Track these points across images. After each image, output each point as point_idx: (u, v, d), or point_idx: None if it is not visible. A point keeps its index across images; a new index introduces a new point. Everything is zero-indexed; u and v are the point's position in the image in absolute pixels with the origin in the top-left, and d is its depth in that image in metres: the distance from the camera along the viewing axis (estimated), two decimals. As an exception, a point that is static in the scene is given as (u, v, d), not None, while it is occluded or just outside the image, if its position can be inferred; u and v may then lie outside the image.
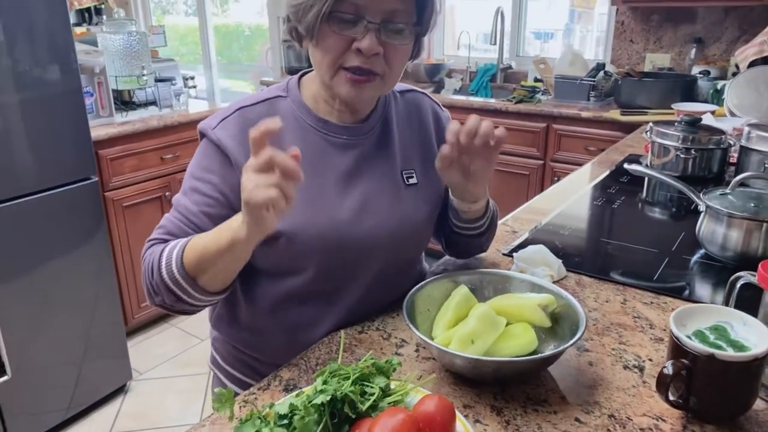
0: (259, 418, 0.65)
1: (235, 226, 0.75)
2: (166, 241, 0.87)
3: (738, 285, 0.81)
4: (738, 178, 1.13)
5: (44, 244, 1.97)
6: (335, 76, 0.87)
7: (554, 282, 1.05)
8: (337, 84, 0.88)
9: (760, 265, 0.75)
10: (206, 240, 0.80)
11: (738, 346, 0.70)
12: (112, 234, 2.43)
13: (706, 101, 2.59)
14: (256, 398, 0.77)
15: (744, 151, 1.56)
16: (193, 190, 0.90)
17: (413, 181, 0.98)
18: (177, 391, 2.34)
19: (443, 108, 1.09)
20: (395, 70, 0.89)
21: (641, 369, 0.81)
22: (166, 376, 2.44)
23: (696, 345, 0.69)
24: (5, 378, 1.90)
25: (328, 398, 0.63)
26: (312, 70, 0.96)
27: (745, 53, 2.46)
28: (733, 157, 1.66)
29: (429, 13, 0.88)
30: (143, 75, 2.57)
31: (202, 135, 0.92)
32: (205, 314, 1.08)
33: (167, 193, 2.61)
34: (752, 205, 1.09)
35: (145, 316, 2.67)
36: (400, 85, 1.06)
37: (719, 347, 0.70)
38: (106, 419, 2.19)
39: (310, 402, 0.63)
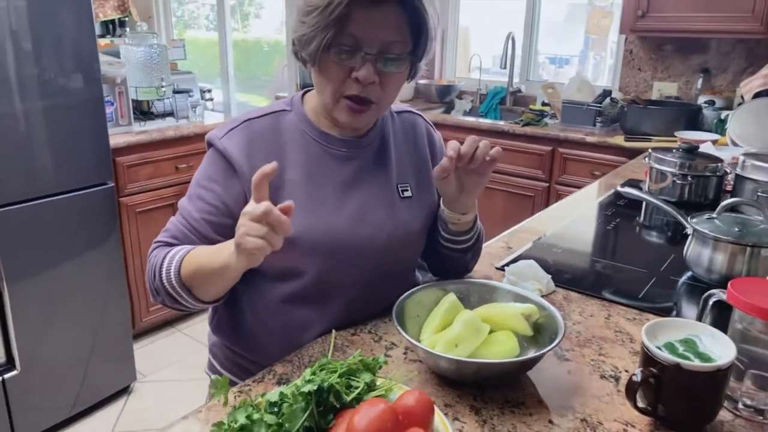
0: (252, 405, 0.70)
1: (227, 253, 0.82)
2: (170, 244, 0.95)
3: (711, 302, 0.85)
4: (724, 203, 1.17)
5: (60, 245, 2.04)
6: (336, 105, 0.94)
7: (542, 296, 1.10)
8: (337, 111, 0.95)
9: (729, 284, 0.79)
10: (202, 258, 0.88)
11: (705, 358, 0.74)
12: (124, 238, 2.50)
13: (710, 130, 2.63)
14: (250, 389, 0.82)
15: (739, 179, 1.60)
16: (197, 197, 0.97)
17: (408, 194, 1.04)
18: (180, 394, 2.38)
19: (435, 129, 1.16)
20: (390, 95, 0.96)
21: (617, 379, 0.86)
22: (169, 379, 2.49)
23: (664, 355, 0.73)
24: (14, 372, 1.97)
25: (315, 388, 0.67)
26: (314, 88, 1.02)
27: (750, 85, 2.50)
28: (729, 184, 1.70)
29: (424, 41, 0.95)
30: (162, 86, 2.67)
31: (210, 144, 0.99)
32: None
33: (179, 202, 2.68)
34: (737, 229, 1.13)
35: (153, 320, 2.73)
36: (397, 106, 1.13)
37: (686, 358, 0.74)
38: (109, 418, 2.24)
39: (298, 391, 0.68)
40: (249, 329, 1.04)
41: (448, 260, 1.11)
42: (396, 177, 1.04)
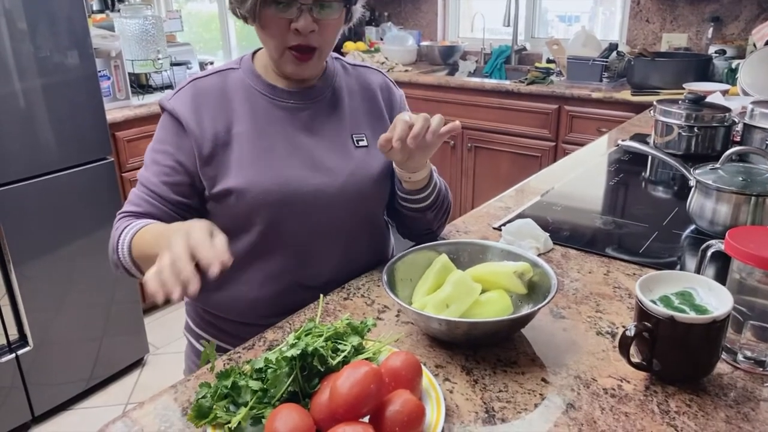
0: (238, 372, 0.70)
1: (164, 242, 0.76)
2: (132, 213, 0.96)
3: (709, 253, 0.83)
4: (728, 152, 1.13)
5: (64, 223, 2.05)
6: (282, 56, 0.96)
7: (540, 254, 1.08)
8: (284, 63, 0.97)
9: (727, 233, 0.77)
10: (149, 240, 0.87)
11: (701, 310, 0.72)
12: (129, 214, 2.50)
13: (721, 81, 2.55)
14: (240, 356, 0.82)
15: (747, 128, 1.55)
16: (152, 163, 0.98)
17: (364, 143, 1.04)
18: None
19: (397, 86, 1.15)
20: (330, 40, 0.98)
21: (613, 335, 0.84)
22: (181, 351, 2.51)
23: (657, 308, 0.71)
24: (27, 349, 2.00)
25: (299, 352, 0.66)
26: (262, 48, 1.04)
27: (763, 32, 2.41)
28: (738, 135, 1.65)
29: None
30: (158, 59, 2.63)
31: (162, 108, 1.00)
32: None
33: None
34: (741, 179, 1.09)
35: (163, 294, 2.75)
36: (354, 60, 1.14)
37: (682, 311, 0.72)
38: (124, 390, 2.28)
39: (282, 356, 0.67)
40: (212, 288, 1.03)
41: (410, 220, 1.09)
42: (350, 127, 1.04)
